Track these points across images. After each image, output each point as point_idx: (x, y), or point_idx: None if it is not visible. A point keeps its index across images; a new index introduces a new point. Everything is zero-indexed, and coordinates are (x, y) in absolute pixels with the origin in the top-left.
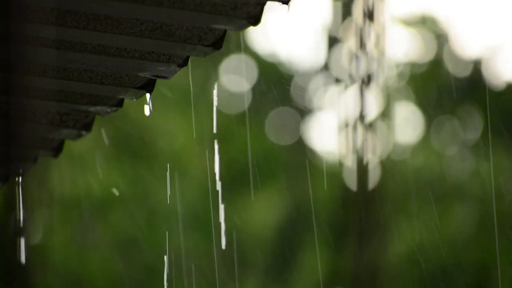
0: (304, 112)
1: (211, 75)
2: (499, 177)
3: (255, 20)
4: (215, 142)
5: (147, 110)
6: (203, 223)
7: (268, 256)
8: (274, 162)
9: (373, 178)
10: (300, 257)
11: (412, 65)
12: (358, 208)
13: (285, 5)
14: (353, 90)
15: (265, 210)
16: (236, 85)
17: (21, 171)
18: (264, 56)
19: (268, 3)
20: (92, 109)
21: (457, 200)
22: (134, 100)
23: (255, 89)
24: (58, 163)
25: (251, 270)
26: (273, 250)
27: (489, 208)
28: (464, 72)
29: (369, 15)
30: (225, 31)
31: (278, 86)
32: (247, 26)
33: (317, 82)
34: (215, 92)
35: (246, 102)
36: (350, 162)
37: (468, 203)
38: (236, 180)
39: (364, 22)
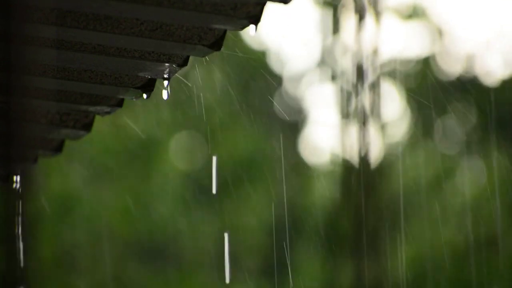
0: (298, 109)
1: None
2: (494, 174)
3: (255, 20)
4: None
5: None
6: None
7: (262, 258)
8: (267, 161)
9: (370, 177)
10: (295, 260)
11: (406, 62)
12: (355, 209)
13: (284, 5)
14: (348, 88)
15: (259, 211)
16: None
17: (21, 171)
18: (257, 52)
19: (268, 3)
20: (92, 109)
21: (455, 200)
22: (134, 100)
23: (247, 85)
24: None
25: (245, 272)
26: (267, 253)
27: (485, 206)
28: (457, 69)
29: (364, 12)
30: (225, 31)
31: (271, 82)
32: (247, 26)
33: (311, 79)
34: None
35: (237, 99)
36: (346, 161)
37: (466, 201)
38: (229, 179)
39: (358, 19)
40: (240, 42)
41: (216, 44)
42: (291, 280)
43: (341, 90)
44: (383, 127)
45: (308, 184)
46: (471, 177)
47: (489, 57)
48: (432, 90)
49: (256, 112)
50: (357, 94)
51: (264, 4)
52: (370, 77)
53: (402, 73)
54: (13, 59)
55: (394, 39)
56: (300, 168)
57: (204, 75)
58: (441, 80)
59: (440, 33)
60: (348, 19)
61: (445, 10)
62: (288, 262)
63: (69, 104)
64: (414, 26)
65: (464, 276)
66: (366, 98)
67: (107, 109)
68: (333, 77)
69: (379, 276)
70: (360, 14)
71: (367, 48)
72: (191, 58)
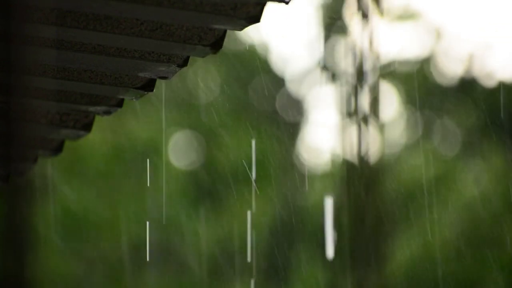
0: (298, 109)
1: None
2: (491, 175)
3: (255, 20)
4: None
5: None
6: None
7: (262, 260)
8: (267, 162)
9: (370, 177)
10: (296, 261)
11: (404, 63)
12: (356, 208)
13: (284, 5)
14: (348, 88)
15: (259, 212)
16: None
17: (21, 171)
18: (257, 53)
19: (268, 3)
20: (92, 109)
21: (453, 201)
22: (134, 100)
23: (249, 86)
24: None
25: (244, 273)
26: (267, 255)
27: (484, 207)
28: (456, 70)
29: (364, 14)
30: (225, 31)
31: (272, 83)
32: (247, 26)
33: (312, 79)
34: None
35: (237, 99)
36: (346, 161)
37: (463, 203)
38: (229, 180)
39: (358, 21)
40: (241, 42)
41: (216, 44)
42: (291, 281)
43: (341, 91)
44: (382, 128)
45: (308, 184)
46: (470, 178)
47: (489, 58)
48: (431, 91)
49: (257, 112)
50: (357, 95)
51: (264, 4)
52: (370, 78)
53: (401, 74)
54: (13, 59)
55: (393, 41)
56: (300, 168)
57: (204, 75)
58: (440, 81)
59: (439, 34)
60: (349, 21)
61: (444, 12)
62: (288, 263)
63: (69, 104)
64: (414, 27)
65: (465, 277)
66: (366, 99)
67: (107, 109)
68: (334, 78)
69: (379, 274)
70: (361, 16)
71: (367, 50)
72: (190, 57)
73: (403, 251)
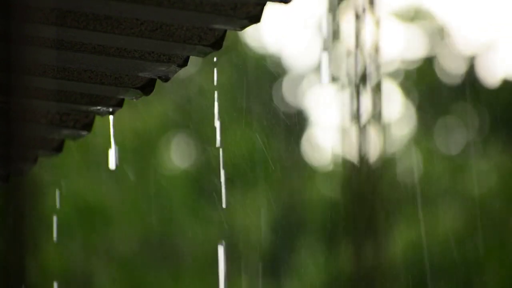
0: (299, 110)
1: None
2: (494, 175)
3: (255, 20)
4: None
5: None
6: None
7: (262, 257)
8: (269, 162)
9: (371, 177)
10: (295, 258)
11: (407, 62)
12: (354, 208)
13: (284, 4)
14: (349, 89)
15: (261, 211)
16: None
17: (21, 171)
18: (258, 53)
19: (268, 3)
20: (92, 109)
21: (454, 200)
22: (134, 100)
23: (248, 86)
24: None
25: (246, 270)
26: (268, 251)
27: (485, 207)
28: (459, 69)
29: (366, 13)
30: (225, 31)
31: (271, 84)
32: (247, 26)
33: (311, 81)
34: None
35: (238, 99)
36: (347, 161)
37: (464, 202)
38: (231, 179)
39: (360, 20)
40: (241, 43)
41: (216, 44)
42: (293, 280)
43: (343, 90)
44: (384, 128)
45: (310, 184)
46: (473, 177)
47: (492, 58)
48: (434, 91)
49: (258, 113)
50: (358, 95)
51: (264, 4)
52: (372, 78)
53: (404, 74)
54: (13, 59)
55: (396, 40)
56: (301, 169)
57: (205, 76)
58: (443, 81)
59: (442, 34)
60: (350, 20)
61: (447, 11)
62: (289, 261)
63: (69, 104)
64: (417, 27)
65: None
66: (368, 99)
67: (107, 109)
68: (335, 78)
69: (376, 268)
70: (362, 15)
71: (369, 49)
72: (192, 58)
73: (403, 249)
